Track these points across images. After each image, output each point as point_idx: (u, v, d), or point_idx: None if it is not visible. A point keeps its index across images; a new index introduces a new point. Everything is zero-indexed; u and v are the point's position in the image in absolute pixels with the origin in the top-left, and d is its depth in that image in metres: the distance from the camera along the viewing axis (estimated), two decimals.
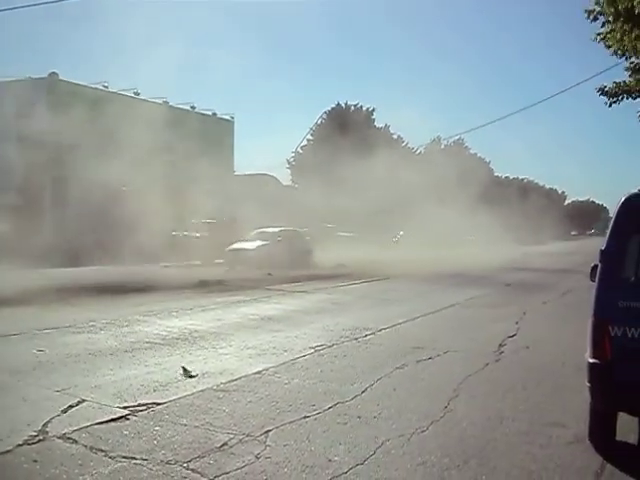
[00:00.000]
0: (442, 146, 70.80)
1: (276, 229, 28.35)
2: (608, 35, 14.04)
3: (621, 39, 13.72)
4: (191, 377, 7.34)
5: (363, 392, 6.76)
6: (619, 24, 13.51)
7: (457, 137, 69.44)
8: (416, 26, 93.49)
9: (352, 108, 63.79)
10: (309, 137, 61.05)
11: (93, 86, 37.45)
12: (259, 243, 26.39)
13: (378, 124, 63.43)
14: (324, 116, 62.13)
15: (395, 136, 65.00)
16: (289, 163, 62.11)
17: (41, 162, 29.25)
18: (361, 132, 52.88)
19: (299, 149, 61.44)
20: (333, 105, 62.98)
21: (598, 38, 14.46)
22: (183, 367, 7.61)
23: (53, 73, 35.76)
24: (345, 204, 40.23)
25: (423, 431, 5.51)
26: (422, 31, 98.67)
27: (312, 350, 8.95)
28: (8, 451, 4.83)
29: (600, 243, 5.27)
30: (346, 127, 52.67)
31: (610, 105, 15.87)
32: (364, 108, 64.05)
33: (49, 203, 32.28)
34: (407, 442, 5.23)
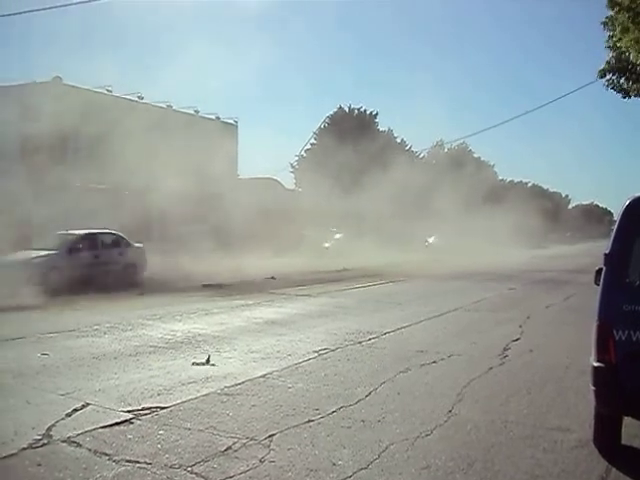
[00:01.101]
0: (445, 150, 70.80)
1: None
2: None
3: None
4: (210, 364, 8.09)
5: (367, 396, 6.76)
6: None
7: (461, 141, 69.31)
8: (418, 27, 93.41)
9: (355, 112, 63.84)
10: (313, 141, 61.11)
11: (97, 90, 37.54)
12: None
13: (381, 127, 63.46)
14: (327, 120, 62.22)
15: (398, 140, 65.06)
16: (293, 167, 62.18)
17: None
18: (364, 136, 52.90)
19: (303, 153, 61.52)
20: (336, 109, 63.02)
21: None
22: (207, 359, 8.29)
23: (57, 77, 35.83)
24: (347, 207, 40.28)
25: (427, 435, 5.50)
26: (424, 32, 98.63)
27: (316, 354, 8.95)
28: (13, 454, 4.85)
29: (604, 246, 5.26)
30: (349, 131, 52.73)
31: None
32: (367, 112, 64.11)
33: None
34: (411, 446, 5.22)
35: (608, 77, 16.12)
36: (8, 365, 7.93)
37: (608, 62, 15.84)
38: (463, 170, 55.13)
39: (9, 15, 26.50)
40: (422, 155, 67.01)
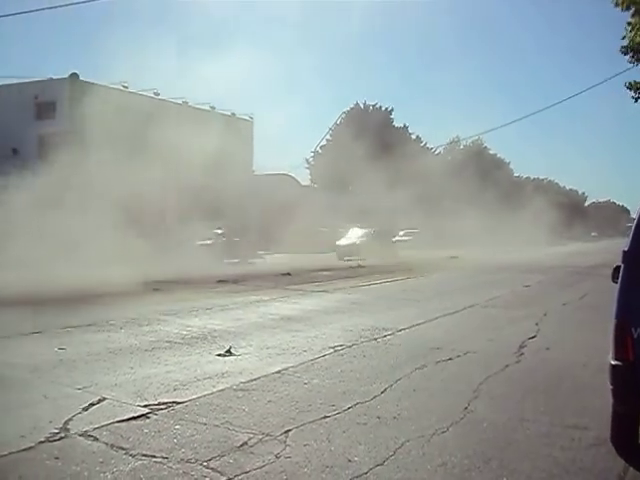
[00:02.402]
0: (461, 146, 70.58)
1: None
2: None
3: None
4: (231, 354, 8.41)
5: (382, 392, 6.74)
6: None
7: (476, 137, 69.03)
8: (434, 24, 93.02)
9: (371, 108, 63.76)
10: (328, 137, 61.08)
11: (113, 86, 37.67)
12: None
13: (397, 124, 63.36)
14: (343, 116, 62.17)
15: (414, 136, 64.93)
16: (308, 163, 62.19)
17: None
18: (380, 132, 52.84)
19: (318, 149, 61.54)
20: (352, 105, 62.96)
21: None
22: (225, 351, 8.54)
23: (74, 73, 36.03)
24: (363, 203, 40.26)
25: (443, 432, 5.48)
26: (440, 29, 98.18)
27: (331, 350, 8.95)
28: (30, 447, 4.88)
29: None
30: (365, 127, 52.67)
31: (636, 100, 16.01)
32: (383, 108, 63.99)
33: None
34: (427, 443, 5.21)
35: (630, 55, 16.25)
36: (25, 359, 7.99)
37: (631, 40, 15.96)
38: (479, 167, 54.96)
39: (28, 12, 26.64)
40: (438, 151, 66.79)
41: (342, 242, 36.23)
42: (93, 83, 36.48)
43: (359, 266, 26.19)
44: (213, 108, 42.70)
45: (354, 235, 36.62)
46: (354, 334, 10.22)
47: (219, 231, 29.66)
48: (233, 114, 44.01)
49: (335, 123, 61.27)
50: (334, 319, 11.92)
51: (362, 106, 62.89)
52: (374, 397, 6.54)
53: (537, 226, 54.33)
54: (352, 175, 40.96)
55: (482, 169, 54.74)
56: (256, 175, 44.14)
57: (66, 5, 24.68)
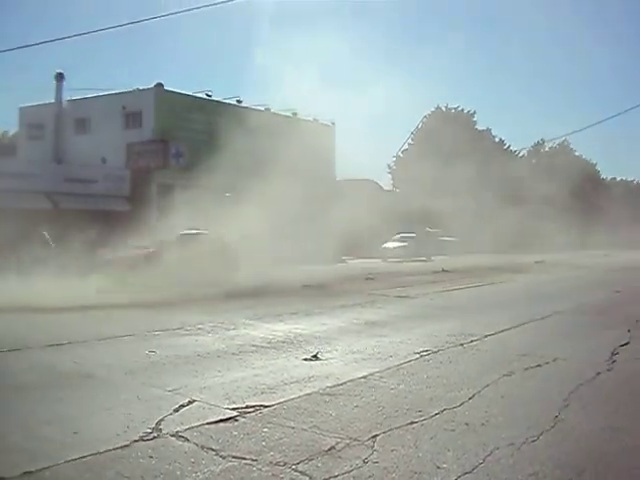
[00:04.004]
0: (546, 148, 68.99)
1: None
2: None
3: None
4: (317, 359, 8.46)
5: (470, 399, 6.65)
6: None
7: (562, 139, 67.32)
8: (511, 25, 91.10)
9: (453, 111, 63.13)
10: (410, 141, 60.81)
11: (197, 95, 38.53)
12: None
13: (479, 127, 62.51)
14: (424, 120, 61.76)
15: (497, 139, 63.93)
16: (390, 168, 62.04)
17: None
18: (462, 135, 52.24)
19: (400, 153, 61.32)
20: (433, 109, 62.46)
21: None
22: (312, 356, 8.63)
23: (159, 83, 37.00)
24: (448, 208, 39.84)
25: (533, 441, 5.35)
26: (517, 30, 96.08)
27: (417, 355, 8.89)
28: (126, 446, 5.05)
29: None
30: (447, 131, 52.18)
31: None
32: (465, 111, 63.25)
33: None
34: (517, 451, 5.10)
35: None
36: (120, 362, 8.27)
37: None
38: (564, 169, 53.61)
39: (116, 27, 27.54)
40: (521, 154, 65.53)
41: (389, 245, 39.43)
42: (178, 92, 37.44)
43: (443, 270, 25.94)
44: (295, 114, 43.13)
45: (401, 238, 40.05)
46: (440, 339, 10.12)
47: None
48: (315, 120, 44.31)
49: (416, 127, 61.01)
50: (419, 324, 11.84)
51: (444, 109, 62.33)
52: (462, 403, 6.46)
53: (633, 229, 52.57)
54: (434, 179, 40.60)
55: (568, 171, 53.33)
56: (339, 181, 44.34)
57: (153, 18, 25.39)
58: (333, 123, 45.83)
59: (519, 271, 26.68)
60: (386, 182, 59.57)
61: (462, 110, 62.55)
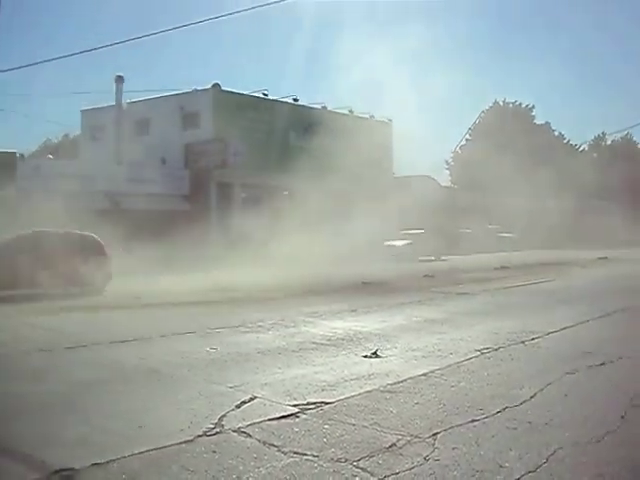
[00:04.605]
0: (608, 142, 67.38)
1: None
2: None
3: None
4: (377, 356, 8.45)
5: (532, 397, 6.55)
6: None
7: (625, 132, 65.64)
8: (569, 17, 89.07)
9: (511, 105, 62.23)
10: (468, 137, 60.22)
11: (254, 94, 38.80)
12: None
13: (538, 121, 61.48)
14: (482, 115, 61.07)
15: (556, 133, 62.78)
16: (447, 164, 61.54)
17: None
18: (520, 130, 51.47)
19: (458, 149, 60.77)
20: (491, 104, 61.68)
21: None
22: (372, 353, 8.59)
23: (216, 84, 37.39)
24: (506, 204, 39.34)
25: (598, 441, 5.24)
26: (577, 21, 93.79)
27: (478, 353, 8.81)
28: (189, 441, 5.15)
29: None
30: (505, 125, 51.48)
31: None
32: (523, 105, 62.28)
33: None
34: (581, 451, 5.01)
35: None
36: (182, 358, 8.41)
37: None
38: (627, 163, 52.35)
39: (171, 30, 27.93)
40: (582, 148, 64.20)
41: (395, 243, 34.89)
42: (234, 92, 37.79)
43: (502, 267, 25.61)
44: (351, 112, 43.09)
45: (406, 235, 35.69)
46: (500, 337, 10.00)
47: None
48: (372, 117, 44.21)
49: (474, 122, 60.36)
50: (479, 321, 11.73)
51: (502, 104, 61.49)
52: (523, 402, 6.38)
53: None
54: (493, 175, 40.11)
55: (631, 165, 52.06)
56: (396, 177, 44.16)
57: (203, 21, 25.67)
58: (390, 120, 45.60)
59: (581, 267, 26.19)
60: (444, 178, 59.11)
61: (520, 104, 61.60)
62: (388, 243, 33.49)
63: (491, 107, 61.11)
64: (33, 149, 52.79)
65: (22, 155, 33.21)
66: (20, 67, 43.69)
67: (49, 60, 36.29)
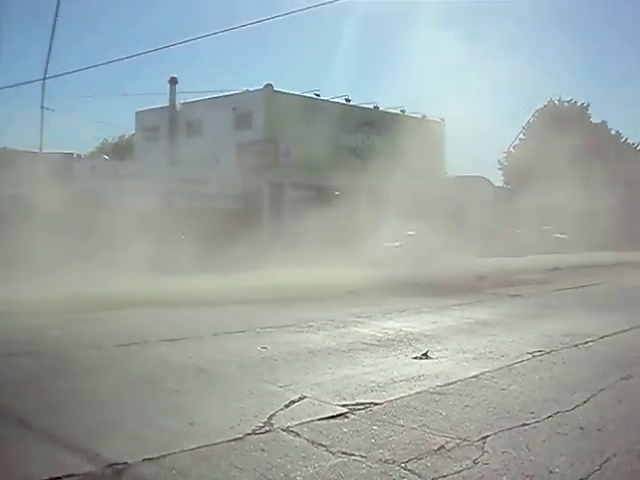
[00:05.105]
0: None
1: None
2: None
3: None
4: (427, 357, 8.44)
5: (585, 402, 6.45)
6: None
7: None
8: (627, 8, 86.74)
9: (566, 104, 61.12)
10: (521, 136, 59.40)
11: (306, 95, 38.95)
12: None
13: (594, 120, 60.27)
14: (536, 114, 60.16)
15: (613, 132, 61.49)
16: (500, 164, 60.82)
17: None
18: (576, 129, 50.48)
19: (511, 149, 60.00)
20: (546, 102, 60.66)
21: None
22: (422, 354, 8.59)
23: (268, 84, 37.64)
24: (561, 205, 38.69)
25: None
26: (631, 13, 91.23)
27: (529, 356, 8.69)
28: (239, 438, 5.22)
29: None
30: (560, 124, 50.56)
31: None
32: (578, 104, 61.13)
33: None
34: (636, 459, 4.90)
35: None
36: (233, 357, 8.49)
37: None
38: None
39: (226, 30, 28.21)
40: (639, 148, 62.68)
41: (379, 244, 28.90)
42: (286, 92, 37.98)
43: (555, 269, 25.21)
44: (403, 111, 42.92)
45: (394, 236, 29.79)
46: (553, 340, 9.86)
47: (410, 233, 29.83)
48: (424, 116, 43.95)
49: (528, 122, 59.48)
50: (531, 324, 11.57)
51: (556, 103, 60.45)
52: (576, 406, 6.28)
53: None
54: (547, 175, 39.47)
55: None
56: (449, 177, 43.82)
57: (254, 23, 25.80)
58: (443, 120, 45.26)
59: (637, 269, 25.60)
60: (497, 178, 58.43)
61: (575, 103, 60.47)
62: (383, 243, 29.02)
63: (545, 106, 60.09)
64: (90, 150, 53.92)
65: (79, 155, 34.04)
66: (80, 69, 44.72)
67: (108, 62, 36.92)
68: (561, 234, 41.73)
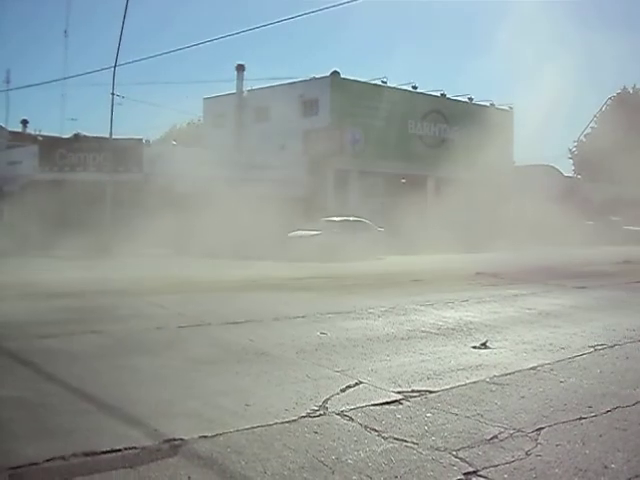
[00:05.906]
0: None
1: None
2: None
3: None
4: (486, 347, 8.44)
5: None
6: None
7: None
8: None
9: None
10: (593, 125, 57.90)
11: (373, 82, 38.85)
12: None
13: None
14: (609, 102, 58.52)
15: None
16: (571, 153, 59.47)
17: None
18: None
19: (582, 138, 58.57)
20: (619, 90, 58.94)
21: None
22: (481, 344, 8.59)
23: (335, 71, 37.66)
24: (634, 196, 37.64)
25: None
26: None
27: (591, 349, 8.53)
28: (293, 420, 5.32)
29: None
30: (635, 112, 49.05)
31: None
32: None
33: None
34: None
35: None
36: (292, 341, 8.61)
37: None
38: None
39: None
40: None
41: (297, 233, 26.86)
42: (353, 79, 37.93)
43: (625, 262, 24.56)
44: (471, 100, 42.39)
45: (322, 227, 27.20)
46: (617, 334, 9.64)
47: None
48: (492, 104, 43.30)
49: (600, 110, 57.94)
50: (596, 317, 11.33)
51: (630, 91, 58.68)
52: (636, 402, 6.13)
53: None
54: (619, 165, 38.41)
55: None
56: (517, 167, 43.12)
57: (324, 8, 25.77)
58: (511, 108, 44.49)
59: None
60: (567, 167, 57.20)
61: None
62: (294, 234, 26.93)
63: (618, 94, 58.48)
64: (159, 136, 55.04)
65: (148, 141, 34.86)
66: (150, 57, 45.54)
67: (176, 50, 37.42)
68: (634, 226, 40.61)
